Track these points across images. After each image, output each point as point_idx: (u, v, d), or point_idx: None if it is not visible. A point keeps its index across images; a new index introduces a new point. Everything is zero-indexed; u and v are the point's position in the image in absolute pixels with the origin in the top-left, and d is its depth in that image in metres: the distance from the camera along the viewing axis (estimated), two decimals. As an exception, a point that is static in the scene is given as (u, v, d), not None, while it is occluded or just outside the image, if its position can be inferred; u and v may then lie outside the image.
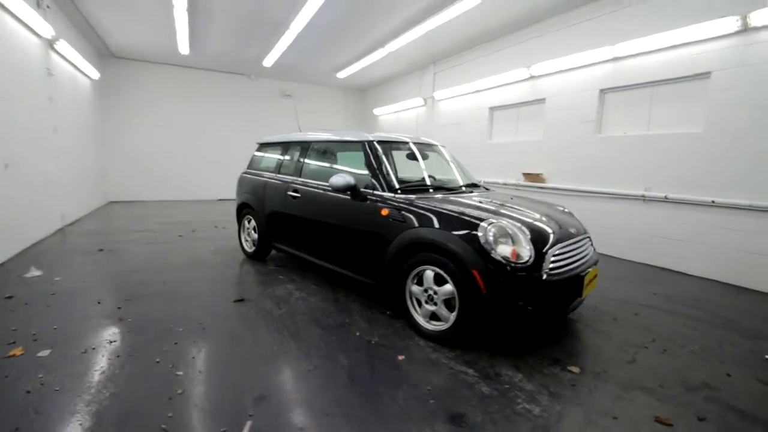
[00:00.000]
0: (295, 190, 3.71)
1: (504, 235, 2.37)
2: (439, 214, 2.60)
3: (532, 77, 6.25)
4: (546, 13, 5.78)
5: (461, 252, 2.36)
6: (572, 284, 2.46)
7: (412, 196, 2.88)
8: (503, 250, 2.30)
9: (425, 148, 3.71)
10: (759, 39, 3.83)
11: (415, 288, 2.66)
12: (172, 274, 3.82)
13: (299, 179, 3.78)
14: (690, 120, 4.46)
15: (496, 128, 7.22)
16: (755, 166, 3.90)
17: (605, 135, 5.35)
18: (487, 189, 3.61)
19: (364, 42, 7.31)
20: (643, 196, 4.87)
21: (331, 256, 3.37)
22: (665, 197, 4.64)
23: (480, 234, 2.35)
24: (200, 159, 10.05)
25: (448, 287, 2.46)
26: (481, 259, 2.30)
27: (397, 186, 3.01)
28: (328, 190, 3.35)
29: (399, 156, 3.46)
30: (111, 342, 2.42)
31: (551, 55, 5.85)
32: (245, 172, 4.73)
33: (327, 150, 3.80)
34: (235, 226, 6.37)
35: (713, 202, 4.21)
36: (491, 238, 2.33)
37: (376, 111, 10.99)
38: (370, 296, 3.38)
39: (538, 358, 2.44)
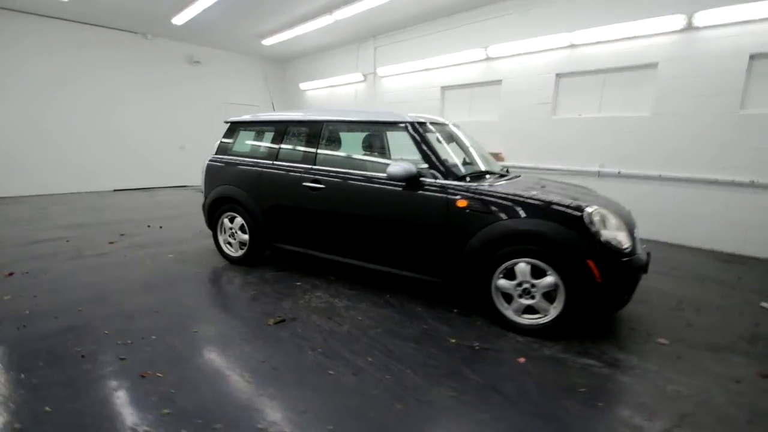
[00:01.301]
0: (315, 181, 3.12)
1: (605, 221, 2.35)
2: (526, 203, 2.44)
3: (488, 58, 6.38)
4: (504, -5, 5.91)
5: (571, 242, 2.26)
6: (647, 264, 2.61)
7: (479, 184, 2.66)
8: (610, 237, 2.29)
9: (446, 128, 3.46)
10: (700, 37, 4.52)
11: (503, 282, 2.50)
12: (154, 297, 2.90)
13: (317, 168, 3.17)
14: (639, 104, 5.11)
15: (448, 108, 7.27)
16: (694, 145, 4.69)
17: (561, 117, 5.81)
18: (507, 172, 3.56)
19: (307, 5, 6.48)
20: (598, 172, 5.48)
21: (378, 255, 2.95)
22: (618, 173, 5.30)
23: (587, 222, 2.28)
24: (84, 138, 7.88)
25: (550, 279, 2.35)
26: (593, 248, 2.25)
27: (463, 173, 2.74)
28: (370, 180, 2.90)
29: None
30: (165, 414, 1.69)
31: (509, 37, 6.04)
32: (216, 160, 3.81)
33: (351, 133, 3.26)
34: (179, 224, 5.25)
35: (660, 176, 4.96)
36: (599, 226, 2.29)
37: (304, 85, 10.08)
38: (420, 294, 3.08)
39: (624, 334, 2.55)
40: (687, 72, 4.65)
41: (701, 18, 4.41)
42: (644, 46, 4.92)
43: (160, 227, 5.12)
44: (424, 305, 2.90)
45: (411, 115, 2.99)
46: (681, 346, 2.43)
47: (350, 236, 3.04)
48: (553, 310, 2.40)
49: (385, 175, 2.85)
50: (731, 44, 4.33)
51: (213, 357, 2.15)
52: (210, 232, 3.98)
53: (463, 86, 6.91)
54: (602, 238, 2.25)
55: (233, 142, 3.81)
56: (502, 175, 3.13)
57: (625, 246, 2.31)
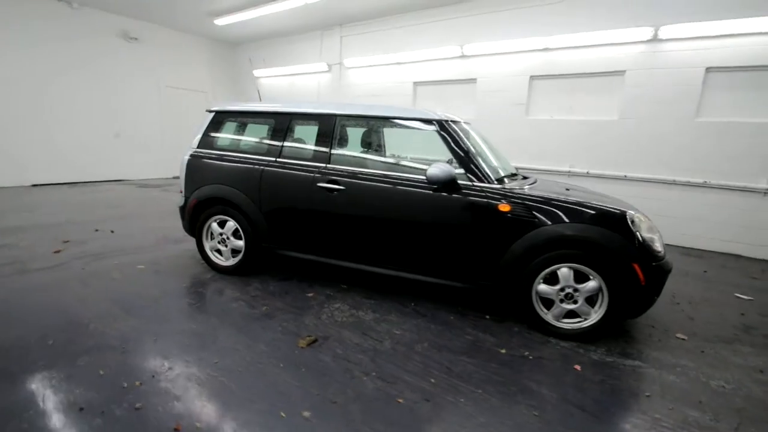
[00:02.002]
0: (332, 182, 2.82)
1: (642, 224, 2.41)
2: (570, 208, 2.42)
3: (464, 56, 6.40)
4: (482, -7, 5.94)
5: (619, 246, 2.29)
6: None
7: (513, 187, 2.59)
8: (649, 240, 2.35)
9: (461, 127, 3.34)
10: (664, 48, 4.93)
11: (545, 287, 2.46)
12: (143, 321, 2.41)
13: (333, 167, 2.87)
14: (607, 109, 5.46)
15: (420, 105, 7.19)
16: (656, 149, 5.13)
17: (534, 118, 6.03)
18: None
19: (276, -14, 5.96)
20: (568, 171, 5.78)
21: (405, 263, 2.76)
22: (587, 173, 5.65)
23: (631, 226, 2.32)
24: (-12, 124, 6.50)
25: (593, 283, 2.37)
26: (638, 251, 2.29)
27: (496, 175, 2.65)
28: (398, 182, 2.70)
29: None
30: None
31: (485, 36, 6.10)
32: (199, 155, 3.30)
33: (372, 130, 3.01)
34: (133, 227, 4.54)
35: (625, 176, 5.37)
36: (642, 230, 2.34)
37: (258, 72, 9.34)
38: (444, 300, 2.95)
39: (647, 332, 2.66)
40: (651, 80, 5.06)
41: (666, 31, 4.80)
42: (614, 54, 5.24)
43: (112, 231, 4.36)
44: (455, 313, 2.78)
45: (438, 113, 2.83)
46: (697, 340, 2.60)
47: (373, 242, 2.80)
48: (594, 314, 2.42)
49: (415, 176, 2.69)
50: (691, 57, 4.77)
51: (253, 393, 1.82)
52: (182, 237, 3.48)
53: (437, 83, 6.87)
54: (644, 242, 2.31)
55: (220, 135, 3.32)
56: (524, 177, 3.11)
57: (660, 249, 2.40)
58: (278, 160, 3.03)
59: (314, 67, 8.27)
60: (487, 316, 2.75)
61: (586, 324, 2.44)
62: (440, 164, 2.50)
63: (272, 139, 3.11)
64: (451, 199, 2.57)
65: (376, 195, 2.74)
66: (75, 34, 7.21)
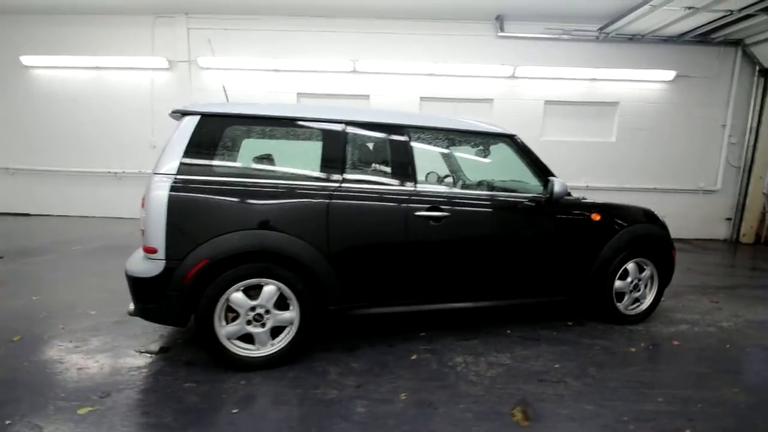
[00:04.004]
0: (435, 209, 2.25)
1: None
2: (630, 210, 2.85)
3: (356, 71, 6.26)
4: (371, 12, 5.96)
5: (665, 238, 2.86)
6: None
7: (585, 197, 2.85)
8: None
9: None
10: (519, 84, 6.33)
11: (619, 283, 2.79)
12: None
13: (423, 189, 2.31)
14: (482, 129, 6.53)
15: (304, 117, 6.54)
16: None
17: (424, 134, 6.54)
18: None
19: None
20: (459, 182, 6.58)
21: (509, 290, 2.54)
22: (474, 182, 6.58)
23: (662, 219, 2.94)
24: None
25: (648, 272, 2.87)
26: (671, 240, 2.93)
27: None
28: (503, 203, 2.46)
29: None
30: None
31: (378, 54, 6.18)
32: (190, 186, 1.95)
33: (451, 143, 2.58)
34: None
35: (502, 183, 6.57)
36: (665, 222, 2.99)
37: (30, 60, 6.17)
38: (510, 319, 2.85)
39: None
40: (511, 108, 6.40)
41: (520, 71, 6.20)
42: (485, 85, 6.35)
43: None
44: (548, 329, 2.75)
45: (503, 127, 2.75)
46: (728, 299, 3.53)
47: (480, 274, 2.44)
48: (649, 297, 2.93)
49: (516, 193, 2.61)
50: (536, 92, 6.34)
51: None
52: (62, 336, 2.03)
53: (326, 96, 6.42)
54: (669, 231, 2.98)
55: (223, 153, 2.08)
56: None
57: (668, 235, 3.14)
58: (344, 186, 2.18)
59: (143, 62, 6.19)
60: (569, 323, 2.87)
61: (644, 307, 2.92)
62: (559, 180, 2.44)
63: (326, 157, 2.20)
64: (556, 216, 2.55)
65: (485, 219, 2.41)
66: None
